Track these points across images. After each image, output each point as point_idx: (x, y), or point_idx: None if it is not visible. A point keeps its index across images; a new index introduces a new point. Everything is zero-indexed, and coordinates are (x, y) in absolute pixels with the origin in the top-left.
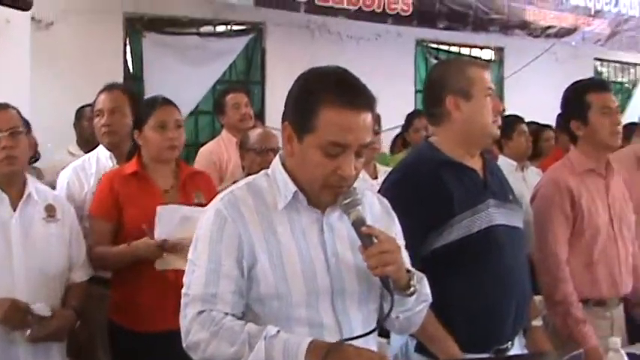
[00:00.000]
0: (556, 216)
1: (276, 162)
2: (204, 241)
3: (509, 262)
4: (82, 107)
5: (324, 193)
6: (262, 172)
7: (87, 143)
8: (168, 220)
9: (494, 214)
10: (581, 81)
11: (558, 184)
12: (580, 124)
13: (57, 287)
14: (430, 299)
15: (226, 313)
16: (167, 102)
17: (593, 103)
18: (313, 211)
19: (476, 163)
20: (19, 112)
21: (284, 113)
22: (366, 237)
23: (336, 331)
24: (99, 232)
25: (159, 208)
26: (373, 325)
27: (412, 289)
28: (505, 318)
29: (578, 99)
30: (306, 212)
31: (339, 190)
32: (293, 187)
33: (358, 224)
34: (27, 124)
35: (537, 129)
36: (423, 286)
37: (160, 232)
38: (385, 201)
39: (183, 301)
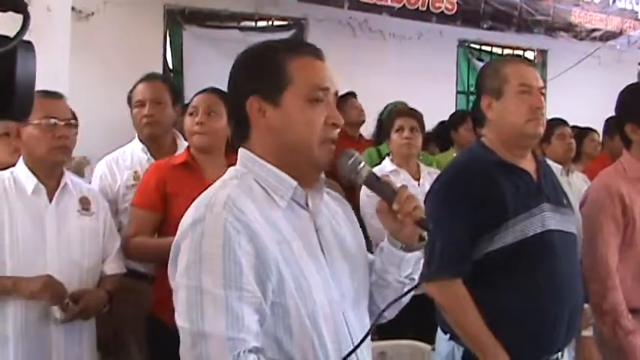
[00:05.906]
0: (607, 222)
1: (248, 155)
2: (213, 260)
3: (563, 268)
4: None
5: (322, 150)
6: (231, 169)
7: None
8: None
9: (549, 219)
10: (638, 83)
11: (609, 190)
12: (636, 127)
13: (89, 281)
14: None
15: (257, 349)
16: (213, 91)
17: None
18: (305, 211)
19: (529, 165)
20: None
21: (238, 95)
22: (387, 187)
23: (349, 340)
24: (140, 221)
25: None
26: (367, 325)
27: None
28: (558, 326)
29: (635, 102)
30: (299, 212)
31: (333, 147)
32: (293, 182)
33: (374, 177)
34: (74, 116)
35: (580, 132)
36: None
37: None
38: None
39: (189, 339)
